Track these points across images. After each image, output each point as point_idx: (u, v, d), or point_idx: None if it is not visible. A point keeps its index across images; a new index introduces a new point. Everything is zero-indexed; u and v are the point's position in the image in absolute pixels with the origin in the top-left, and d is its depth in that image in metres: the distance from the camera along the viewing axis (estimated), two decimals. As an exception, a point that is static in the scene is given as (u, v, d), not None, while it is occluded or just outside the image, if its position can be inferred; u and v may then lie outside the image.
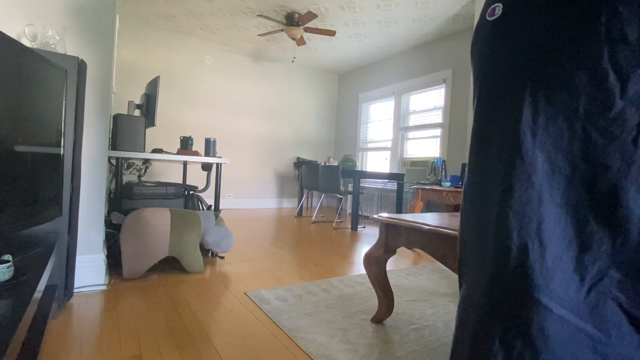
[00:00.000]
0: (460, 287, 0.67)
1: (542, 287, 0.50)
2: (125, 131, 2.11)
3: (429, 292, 2.00)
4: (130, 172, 2.98)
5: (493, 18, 0.60)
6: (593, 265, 0.50)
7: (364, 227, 4.40)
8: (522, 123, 0.53)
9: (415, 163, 4.61)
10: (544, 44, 0.52)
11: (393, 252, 1.55)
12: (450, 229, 1.22)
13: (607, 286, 0.49)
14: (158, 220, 2.02)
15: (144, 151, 2.21)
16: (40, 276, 0.97)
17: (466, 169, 0.66)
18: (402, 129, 5.19)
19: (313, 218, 4.87)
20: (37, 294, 0.91)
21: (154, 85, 2.43)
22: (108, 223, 2.07)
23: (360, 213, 4.95)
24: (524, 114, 0.53)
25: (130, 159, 2.69)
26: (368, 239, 3.62)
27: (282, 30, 4.38)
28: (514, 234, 0.52)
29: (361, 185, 5.28)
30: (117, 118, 2.11)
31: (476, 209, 0.61)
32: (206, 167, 2.89)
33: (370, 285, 1.96)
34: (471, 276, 0.61)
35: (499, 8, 0.59)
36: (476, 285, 0.59)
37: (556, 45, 0.51)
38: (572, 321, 0.49)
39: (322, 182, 4.48)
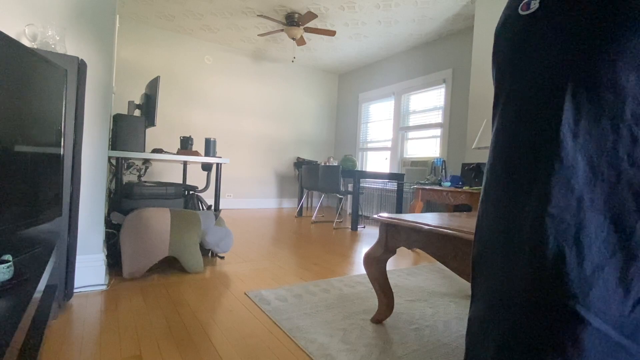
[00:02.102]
0: (473, 295, 0.64)
1: (579, 297, 0.47)
2: (125, 131, 2.11)
3: (429, 292, 2.00)
4: (130, 172, 2.98)
5: (527, 12, 0.55)
6: (639, 278, 0.46)
7: (364, 227, 4.40)
8: (562, 124, 0.49)
9: (415, 163, 4.61)
10: (587, 41, 0.48)
11: (393, 252, 1.55)
12: (451, 229, 1.22)
13: None
14: (158, 220, 2.02)
15: (144, 151, 2.21)
16: (40, 276, 0.97)
17: (486, 171, 0.62)
18: (402, 129, 5.19)
19: (313, 218, 4.87)
20: (37, 294, 0.91)
21: (154, 85, 2.43)
22: (108, 223, 2.07)
23: (360, 213, 4.95)
24: (565, 115, 0.49)
25: (130, 159, 2.69)
26: (368, 239, 3.62)
27: (282, 30, 4.38)
28: (550, 240, 0.49)
29: (361, 185, 5.28)
30: (117, 118, 2.11)
31: (503, 213, 0.58)
32: (206, 167, 2.89)
33: (370, 285, 1.96)
34: (495, 285, 0.58)
35: (534, 2, 0.55)
36: (502, 295, 0.56)
37: (601, 42, 0.47)
38: (612, 336, 0.46)
39: (322, 182, 4.48)
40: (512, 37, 0.59)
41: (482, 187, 0.64)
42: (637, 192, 0.47)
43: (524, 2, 0.57)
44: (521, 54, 0.57)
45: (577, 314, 0.46)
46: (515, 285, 0.54)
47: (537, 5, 0.54)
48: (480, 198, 0.64)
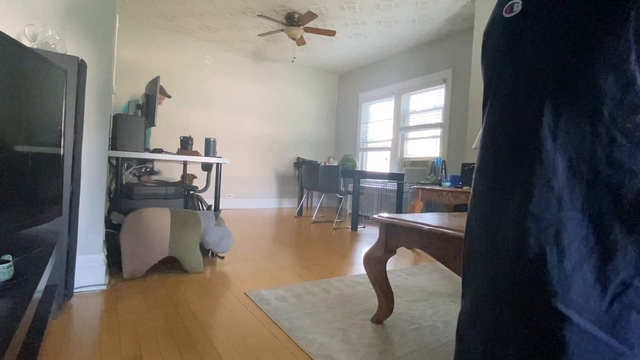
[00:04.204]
0: (463, 292, 0.65)
1: (559, 295, 0.48)
2: (125, 131, 2.11)
3: (429, 292, 2.00)
4: (130, 172, 2.98)
5: (511, 15, 0.57)
6: (616, 275, 0.47)
7: (364, 227, 4.40)
8: (542, 125, 0.51)
9: (415, 163, 4.61)
10: (566, 44, 0.49)
11: (393, 252, 1.55)
12: (451, 229, 1.22)
13: (631, 297, 0.47)
14: (158, 220, 2.02)
15: (144, 151, 2.21)
16: (40, 276, 0.97)
17: (475, 171, 0.64)
18: (402, 129, 5.19)
19: (313, 218, 4.87)
20: (37, 294, 0.91)
21: (154, 85, 2.43)
22: (108, 223, 2.07)
23: (360, 213, 4.95)
24: (545, 116, 0.51)
25: (130, 159, 2.69)
26: (368, 239, 3.62)
27: (282, 30, 4.38)
28: (532, 239, 0.50)
29: (361, 185, 5.28)
30: (117, 118, 2.11)
31: (488, 212, 0.59)
32: (206, 167, 2.89)
33: (370, 285, 1.96)
34: (480, 282, 0.60)
35: (517, 5, 0.56)
36: (487, 292, 0.57)
37: (580, 45, 0.48)
38: (592, 332, 0.47)
39: (322, 182, 4.48)
40: (496, 38, 0.61)
41: (471, 187, 0.66)
42: (615, 191, 0.48)
43: (508, 4, 0.58)
44: (504, 55, 0.58)
45: (558, 310, 0.48)
46: (500, 282, 0.55)
47: (519, 8, 0.56)
48: (469, 198, 0.66)
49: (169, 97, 4.23)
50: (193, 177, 3.62)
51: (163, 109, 4.85)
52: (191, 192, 2.64)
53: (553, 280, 0.49)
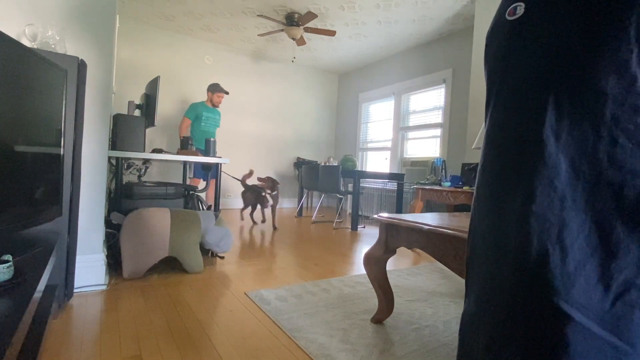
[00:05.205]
0: (467, 292, 0.66)
1: (562, 294, 0.48)
2: (125, 131, 2.11)
3: (429, 292, 2.00)
4: (130, 172, 2.98)
5: (514, 18, 0.57)
6: (619, 274, 0.48)
7: (364, 227, 4.40)
8: (545, 126, 0.51)
9: (415, 163, 4.61)
10: (569, 46, 0.50)
11: (393, 252, 1.55)
12: (451, 229, 1.22)
13: (634, 296, 0.47)
14: (158, 220, 2.02)
15: (144, 151, 2.21)
16: (40, 276, 0.97)
17: (478, 171, 0.64)
18: (402, 129, 5.19)
19: (313, 218, 4.87)
20: (37, 294, 0.91)
21: (154, 85, 2.43)
22: (108, 223, 2.07)
23: (360, 213, 4.95)
24: (548, 117, 0.51)
25: (130, 159, 2.69)
26: (368, 239, 3.62)
27: (282, 30, 4.38)
28: (534, 239, 0.51)
29: (361, 185, 5.27)
30: (117, 118, 2.11)
31: (491, 213, 0.59)
32: (206, 167, 2.89)
33: (370, 285, 1.96)
34: (484, 282, 0.60)
35: (520, 7, 0.57)
36: (490, 291, 0.58)
37: (582, 47, 0.49)
38: (594, 331, 0.47)
39: (322, 182, 4.48)
40: (499, 41, 0.61)
41: (475, 187, 0.66)
42: (616, 192, 0.48)
43: (510, 7, 0.59)
44: (507, 57, 0.59)
45: (560, 309, 0.48)
46: (503, 282, 0.56)
47: (522, 11, 0.56)
48: (472, 198, 0.66)
49: (227, 93, 4.31)
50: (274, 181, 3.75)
51: (163, 109, 4.85)
52: (191, 192, 2.63)
53: (556, 279, 0.49)
